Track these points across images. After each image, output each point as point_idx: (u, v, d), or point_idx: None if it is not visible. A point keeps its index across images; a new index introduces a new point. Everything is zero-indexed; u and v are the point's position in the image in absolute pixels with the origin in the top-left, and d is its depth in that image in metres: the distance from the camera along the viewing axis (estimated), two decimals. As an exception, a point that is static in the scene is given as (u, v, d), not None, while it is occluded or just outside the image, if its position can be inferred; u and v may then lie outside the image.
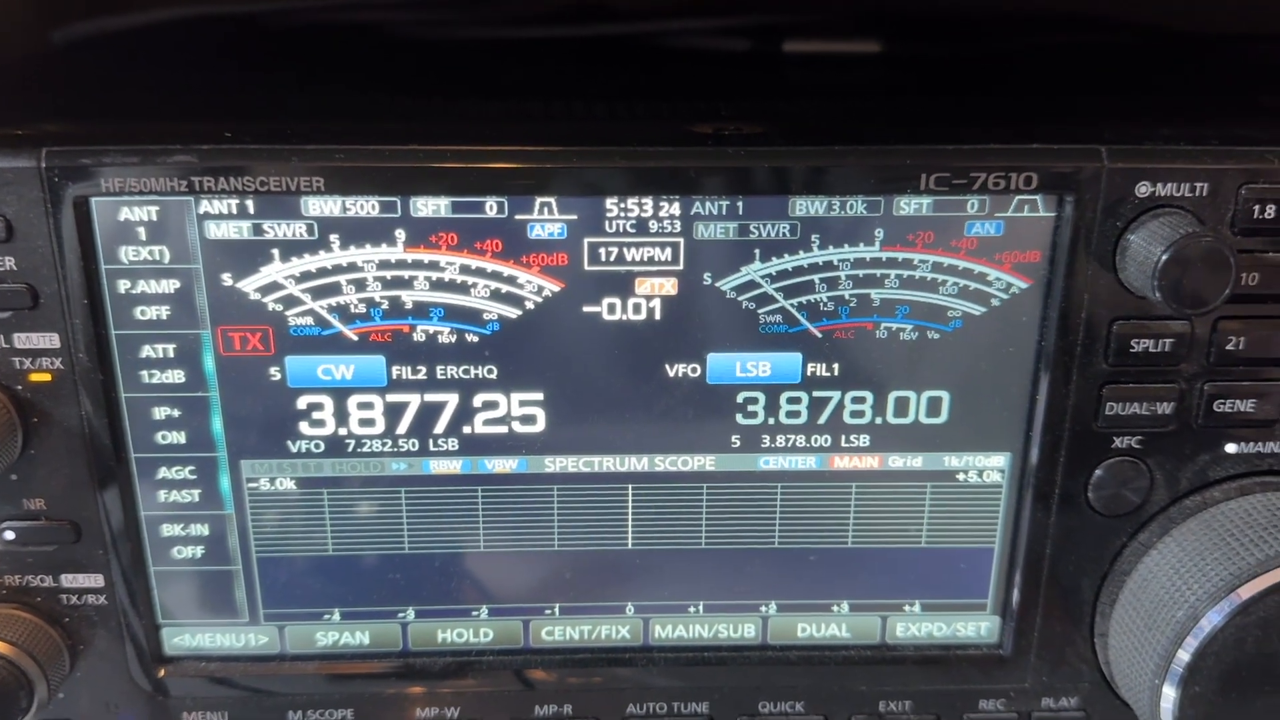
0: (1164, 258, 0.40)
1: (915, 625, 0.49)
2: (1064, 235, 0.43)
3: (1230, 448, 0.46)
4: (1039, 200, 0.43)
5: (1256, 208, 0.42)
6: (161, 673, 0.48)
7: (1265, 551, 0.43)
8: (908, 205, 0.43)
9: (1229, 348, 0.44)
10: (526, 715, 0.49)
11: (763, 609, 0.49)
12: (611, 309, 0.44)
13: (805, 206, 0.43)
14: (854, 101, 0.52)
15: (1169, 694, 0.43)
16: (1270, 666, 0.43)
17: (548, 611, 0.49)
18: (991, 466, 0.47)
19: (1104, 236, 0.42)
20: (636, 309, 0.44)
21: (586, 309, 0.44)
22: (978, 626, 0.49)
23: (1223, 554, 0.43)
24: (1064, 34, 0.63)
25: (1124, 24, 0.64)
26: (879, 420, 0.46)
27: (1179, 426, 0.45)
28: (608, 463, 0.46)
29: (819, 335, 0.45)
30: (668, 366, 0.45)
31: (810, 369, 0.45)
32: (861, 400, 0.46)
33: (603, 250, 0.43)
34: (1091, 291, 0.43)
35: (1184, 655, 0.42)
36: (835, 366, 0.45)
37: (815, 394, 0.46)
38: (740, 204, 0.43)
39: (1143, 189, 0.42)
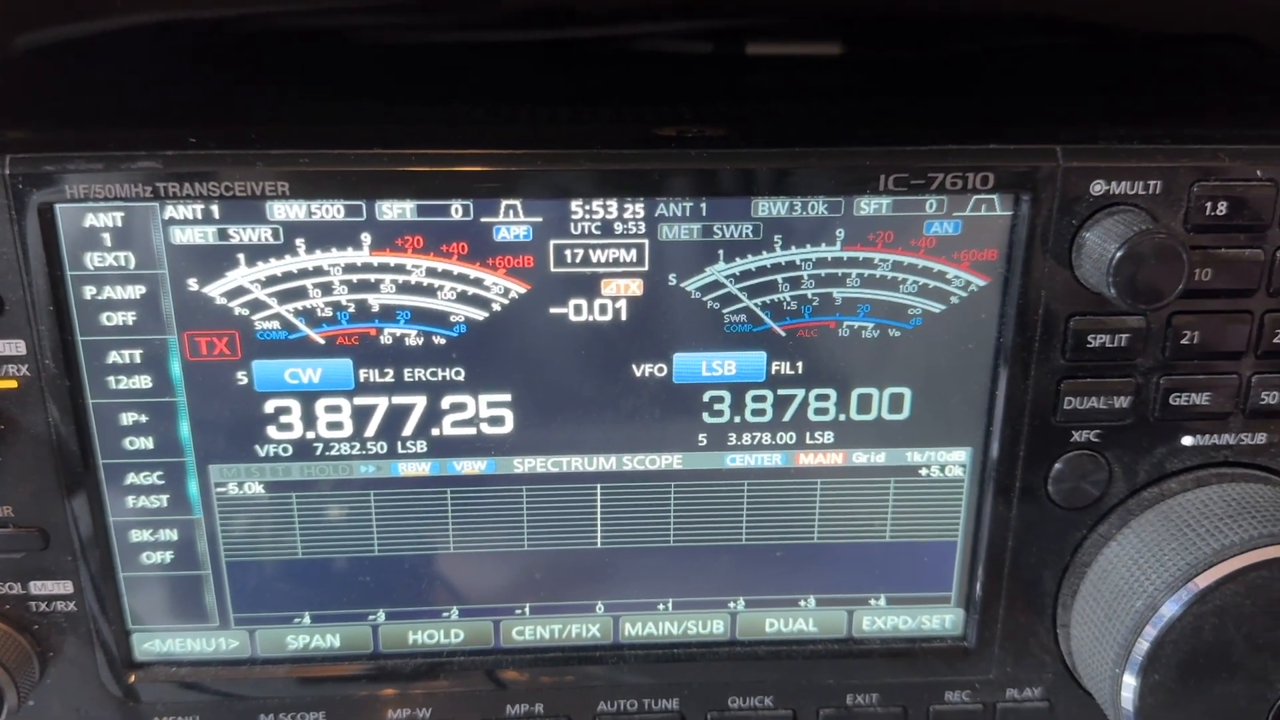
0: (1118, 254, 0.41)
1: (881, 619, 0.50)
2: (1021, 233, 0.43)
3: (1187, 440, 0.47)
4: (996, 200, 0.43)
5: (1208, 204, 0.43)
6: (132, 678, 0.48)
7: (1221, 541, 0.43)
8: (868, 205, 0.43)
9: (1183, 342, 0.45)
10: (498, 715, 0.50)
11: (731, 605, 0.49)
12: (578, 310, 0.44)
13: (767, 207, 0.43)
14: (816, 103, 0.52)
15: (1129, 682, 0.44)
16: (1227, 654, 0.43)
17: (518, 611, 0.49)
18: (953, 461, 0.47)
19: (1060, 234, 0.43)
20: (603, 310, 0.44)
21: (553, 310, 0.44)
22: (942, 619, 0.50)
23: (1180, 544, 0.44)
24: (1021, 36, 0.64)
25: (1079, 26, 0.65)
26: (843, 417, 0.47)
27: (1136, 420, 0.46)
28: (576, 463, 0.47)
29: (783, 334, 0.45)
30: (634, 367, 0.45)
31: (775, 367, 0.46)
32: (825, 398, 0.46)
33: (568, 252, 0.43)
34: (1048, 288, 0.44)
35: (1143, 644, 0.43)
36: (799, 365, 0.46)
37: (780, 392, 0.46)
38: (704, 205, 0.43)
39: (1097, 187, 0.43)
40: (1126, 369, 0.45)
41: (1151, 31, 0.65)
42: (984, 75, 0.58)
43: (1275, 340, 0.45)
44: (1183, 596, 0.43)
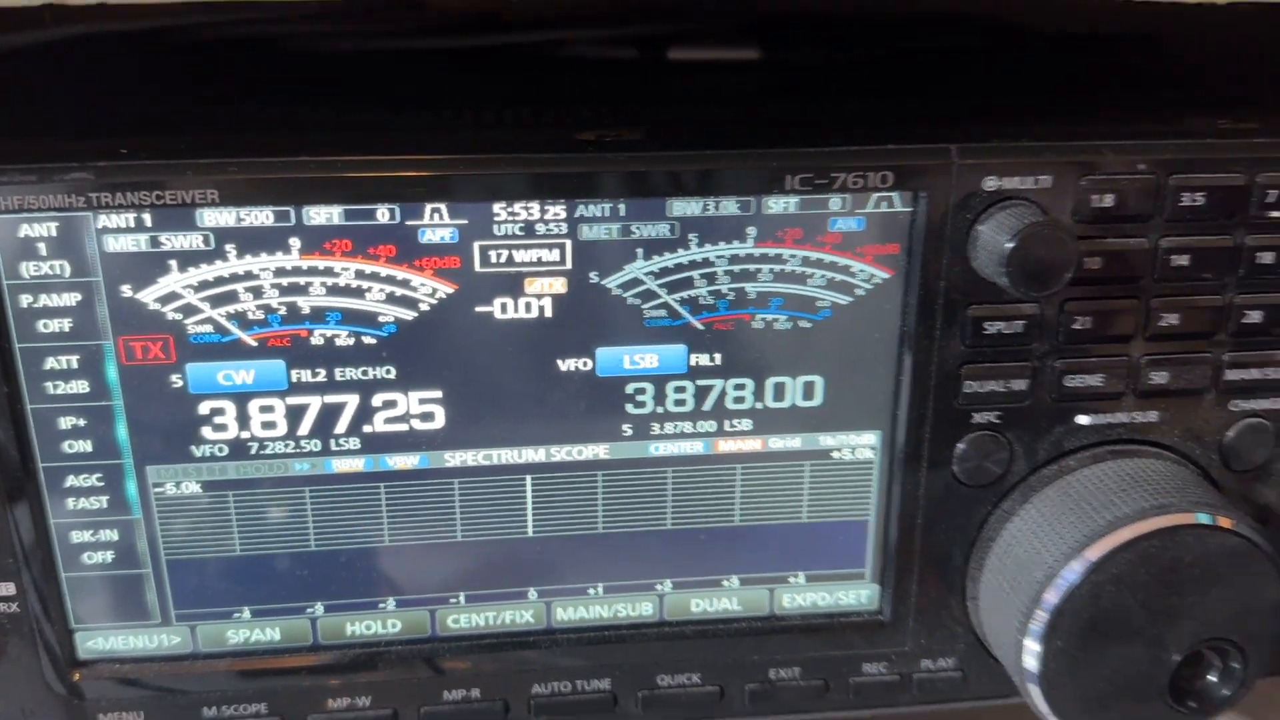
0: (1009, 246, 0.44)
1: (801, 596, 0.52)
2: (920, 228, 0.46)
3: (1082, 419, 0.49)
4: (895, 197, 0.46)
5: (1094, 197, 0.46)
6: (76, 676, 0.49)
7: (1114, 513, 0.46)
8: (776, 204, 0.46)
9: (1075, 327, 0.48)
10: (436, 701, 0.51)
11: (658, 587, 0.51)
12: (503, 308, 0.46)
13: (682, 207, 0.46)
14: (731, 107, 0.55)
15: (1032, 648, 0.46)
16: (1123, 619, 0.46)
17: (453, 600, 0.51)
18: (863, 444, 0.50)
19: (956, 228, 0.46)
20: (527, 308, 0.46)
21: (479, 309, 0.46)
22: (858, 595, 0.52)
23: (1077, 517, 0.47)
24: (933, 39, 0.67)
25: (989, 28, 0.68)
26: (759, 405, 0.49)
27: (1034, 401, 0.49)
28: (506, 455, 0.48)
29: (701, 327, 0.47)
30: (559, 361, 0.47)
31: (694, 359, 0.48)
32: (742, 387, 0.49)
33: (493, 253, 0.45)
34: (947, 279, 0.46)
35: (1043, 613, 0.46)
36: (717, 356, 0.48)
37: (700, 382, 0.48)
38: (622, 206, 0.45)
39: (990, 183, 0.45)
40: (1023, 353, 0.48)
41: (1059, 32, 0.69)
42: (891, 77, 0.61)
43: (1161, 324, 0.48)
44: (1079, 566, 0.45)
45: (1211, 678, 0.48)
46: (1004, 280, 0.44)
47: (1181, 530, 0.46)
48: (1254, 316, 0.49)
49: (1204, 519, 0.46)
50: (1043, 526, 0.48)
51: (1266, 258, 0.48)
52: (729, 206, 0.46)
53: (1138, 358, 0.49)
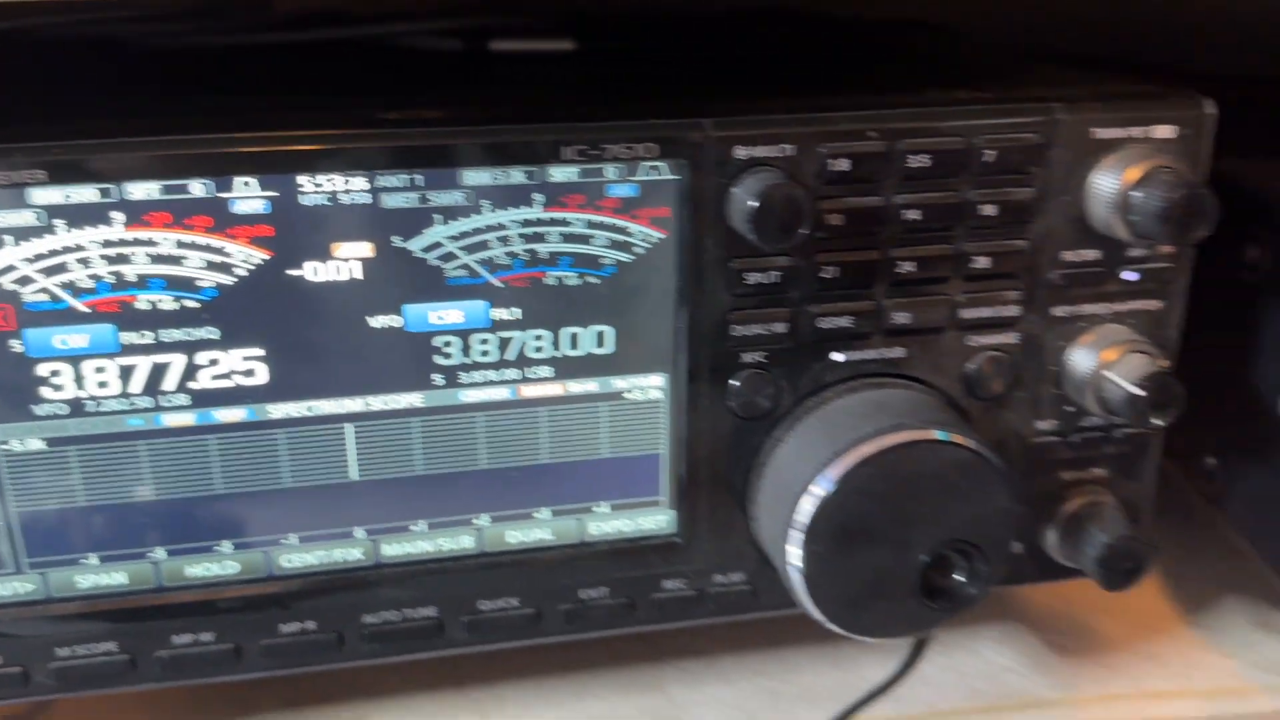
0: (752, 205, 0.50)
1: (606, 523, 0.58)
2: (685, 193, 0.52)
3: (837, 356, 0.56)
4: (663, 165, 0.52)
5: (831, 162, 0.53)
6: (-67, 626, 0.53)
7: (859, 433, 0.53)
8: (558, 173, 0.52)
9: (825, 276, 0.54)
10: (275, 635, 0.56)
11: (476, 522, 0.57)
12: (315, 272, 0.51)
13: (474, 177, 0.51)
14: (536, 90, 0.61)
15: (794, 554, 0.53)
16: (871, 525, 0.52)
17: (286, 541, 0.56)
18: (651, 385, 0.56)
19: (716, 192, 0.52)
20: (338, 270, 0.51)
21: (292, 273, 0.51)
22: (657, 520, 0.59)
23: (829, 439, 0.54)
24: (714, 28, 0.74)
25: (787, 17, 0.75)
26: (557, 353, 0.55)
27: (794, 343, 0.55)
28: (327, 406, 0.53)
29: (500, 285, 0.53)
30: (370, 319, 0.52)
31: (495, 314, 0.54)
32: (541, 338, 0.54)
33: (303, 221, 0.50)
34: (712, 237, 0.53)
35: (802, 519, 0.52)
36: (516, 310, 0.54)
37: (501, 335, 0.54)
38: (419, 177, 0.51)
39: (740, 152, 0.52)
40: (781, 300, 0.54)
41: (838, 19, 0.76)
42: (676, 62, 0.67)
43: (900, 271, 0.55)
44: (828, 479, 0.52)
45: (959, 577, 0.55)
46: (752, 235, 0.51)
47: (918, 445, 0.53)
48: (982, 262, 0.56)
49: (940, 436, 0.53)
50: (803, 449, 0.55)
51: (989, 210, 0.55)
52: (516, 176, 0.51)
53: (881, 301, 0.56)
